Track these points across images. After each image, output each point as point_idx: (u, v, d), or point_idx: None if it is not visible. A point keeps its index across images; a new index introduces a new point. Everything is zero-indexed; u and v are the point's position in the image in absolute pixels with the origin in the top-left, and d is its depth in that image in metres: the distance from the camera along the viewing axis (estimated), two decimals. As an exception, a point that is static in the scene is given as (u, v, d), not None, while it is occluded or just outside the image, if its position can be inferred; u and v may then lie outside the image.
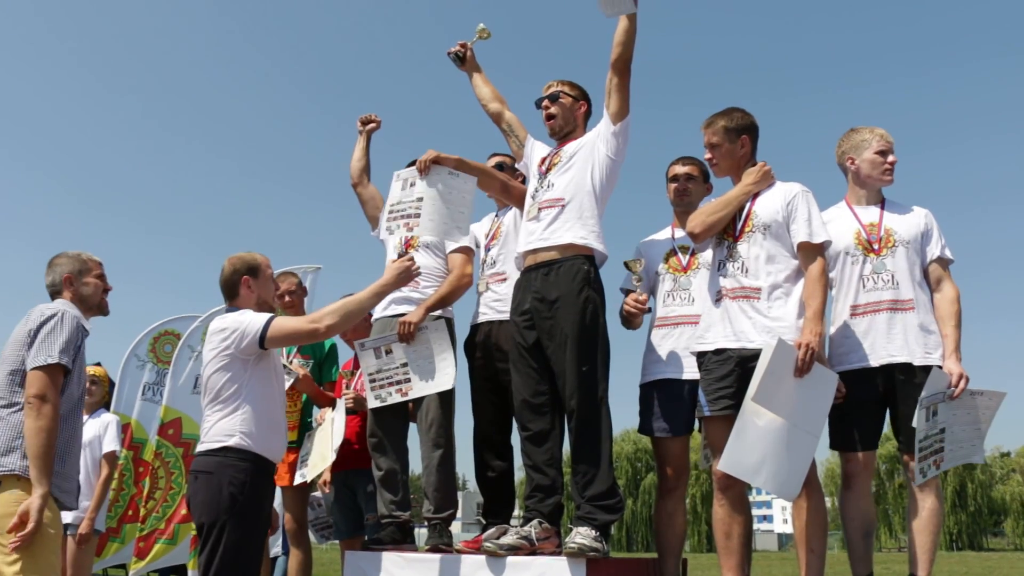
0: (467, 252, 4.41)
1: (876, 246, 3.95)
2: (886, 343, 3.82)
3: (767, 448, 3.45)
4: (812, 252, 3.64)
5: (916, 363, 3.75)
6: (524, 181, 4.41)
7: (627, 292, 4.25)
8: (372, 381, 4.15)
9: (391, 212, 4.12)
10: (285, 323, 3.64)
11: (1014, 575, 16.37)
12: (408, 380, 4.10)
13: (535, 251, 3.89)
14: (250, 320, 3.57)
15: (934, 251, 3.94)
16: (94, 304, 3.70)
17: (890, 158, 4.04)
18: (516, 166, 4.43)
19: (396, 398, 4.13)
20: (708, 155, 3.97)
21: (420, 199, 4.03)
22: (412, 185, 4.09)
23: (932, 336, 3.82)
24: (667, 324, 4.23)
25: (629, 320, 4.17)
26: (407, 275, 3.83)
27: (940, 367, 3.73)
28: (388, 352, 4.13)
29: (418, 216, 4.01)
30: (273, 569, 6.58)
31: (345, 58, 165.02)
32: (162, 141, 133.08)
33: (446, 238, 4.16)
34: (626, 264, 4.14)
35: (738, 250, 3.74)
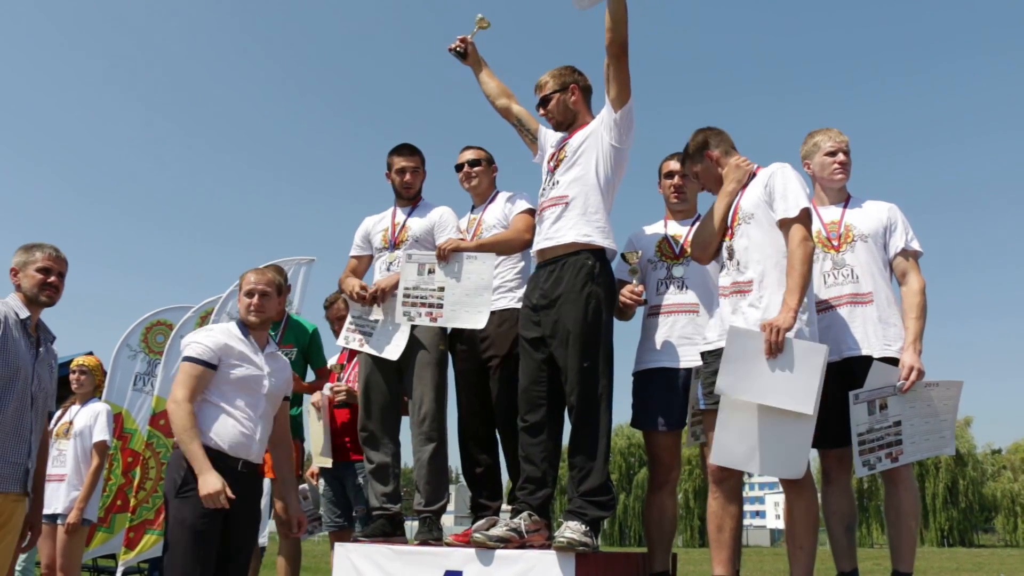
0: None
1: (836, 242, 3.97)
2: (846, 337, 3.84)
3: (755, 434, 3.45)
4: (790, 225, 3.56)
5: (876, 355, 3.77)
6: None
7: (621, 283, 4.24)
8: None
9: (407, 296, 4.13)
10: (177, 377, 3.86)
11: (1004, 571, 16.44)
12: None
13: (543, 250, 3.91)
14: (183, 345, 3.90)
15: (898, 243, 3.94)
16: (32, 297, 3.81)
17: (839, 157, 4.05)
18: (533, 160, 4.38)
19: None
20: (699, 187, 4.08)
21: (441, 288, 4.07)
22: (431, 272, 4.12)
23: (892, 328, 3.83)
24: (660, 312, 4.21)
25: (623, 311, 4.17)
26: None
27: (889, 360, 3.74)
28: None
29: (440, 307, 4.06)
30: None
31: (340, 47, 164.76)
32: (155, 131, 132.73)
33: (470, 326, 4.12)
34: (623, 256, 4.14)
35: (732, 247, 3.74)
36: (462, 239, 4.25)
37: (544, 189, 4.01)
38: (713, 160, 3.89)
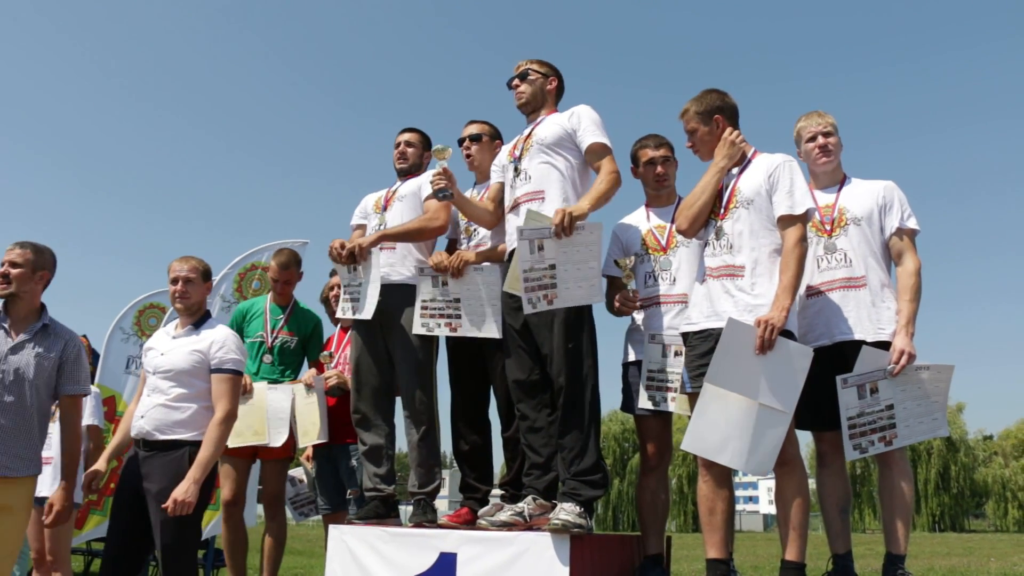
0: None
1: (829, 226, 3.94)
2: (839, 321, 3.83)
3: (730, 426, 3.45)
4: (791, 223, 3.56)
5: (869, 340, 3.76)
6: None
7: (610, 279, 4.24)
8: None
9: (424, 308, 4.17)
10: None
11: (994, 556, 16.58)
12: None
13: None
14: None
15: (893, 222, 3.90)
16: None
17: (819, 140, 4.01)
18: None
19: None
20: (688, 143, 3.94)
21: (457, 300, 4.12)
22: (445, 284, 4.15)
23: (885, 312, 3.81)
24: (649, 304, 4.21)
25: (619, 310, 4.16)
26: None
27: (881, 344, 3.73)
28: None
29: (459, 316, 4.11)
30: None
31: (335, 31, 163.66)
32: (147, 116, 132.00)
33: (487, 335, 4.08)
34: (616, 263, 4.15)
35: (723, 228, 3.70)
36: (466, 257, 4.13)
37: (514, 181, 3.97)
38: (719, 130, 3.81)
